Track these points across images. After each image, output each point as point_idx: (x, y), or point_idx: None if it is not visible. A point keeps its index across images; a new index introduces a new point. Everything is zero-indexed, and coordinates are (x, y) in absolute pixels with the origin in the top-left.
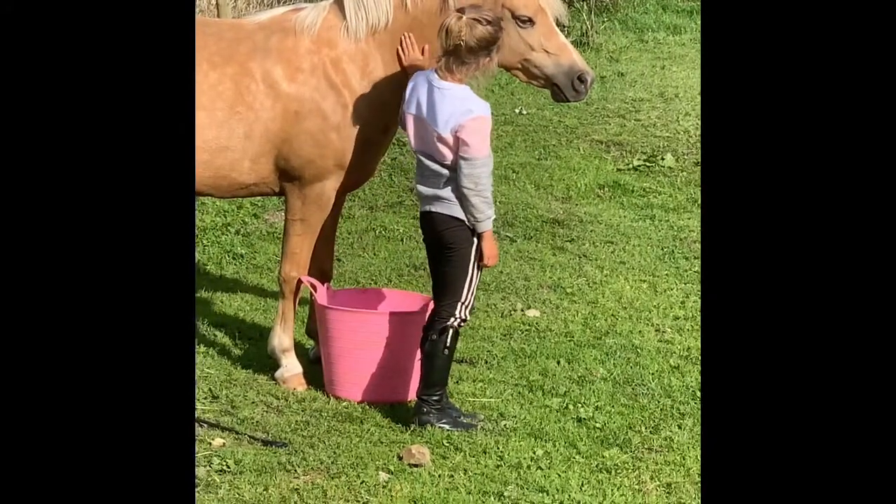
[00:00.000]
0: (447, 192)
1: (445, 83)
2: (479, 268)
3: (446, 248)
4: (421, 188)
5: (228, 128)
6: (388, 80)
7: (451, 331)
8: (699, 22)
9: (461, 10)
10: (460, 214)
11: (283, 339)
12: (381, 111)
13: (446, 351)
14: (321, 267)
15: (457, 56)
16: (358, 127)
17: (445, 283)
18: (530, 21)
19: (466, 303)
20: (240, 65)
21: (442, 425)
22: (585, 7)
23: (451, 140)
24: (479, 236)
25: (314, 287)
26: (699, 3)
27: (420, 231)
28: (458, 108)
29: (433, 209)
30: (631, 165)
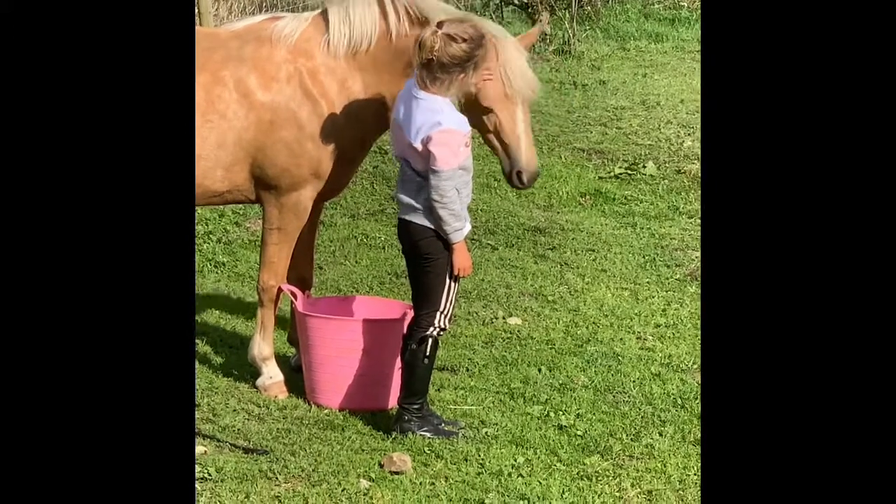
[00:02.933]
0: (422, 202)
1: (423, 93)
2: (455, 278)
3: (423, 257)
4: (400, 196)
5: (200, 137)
6: (367, 99)
7: (430, 340)
8: (681, 30)
9: (440, 24)
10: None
11: (262, 347)
12: (357, 125)
13: (426, 360)
14: (301, 275)
15: (429, 70)
16: (334, 138)
17: (423, 293)
18: (490, 110)
19: (445, 312)
20: (212, 73)
21: (423, 433)
22: (567, 16)
23: (421, 150)
24: (450, 248)
25: (294, 295)
26: (681, 11)
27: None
28: (429, 120)
29: (409, 218)
30: (612, 173)
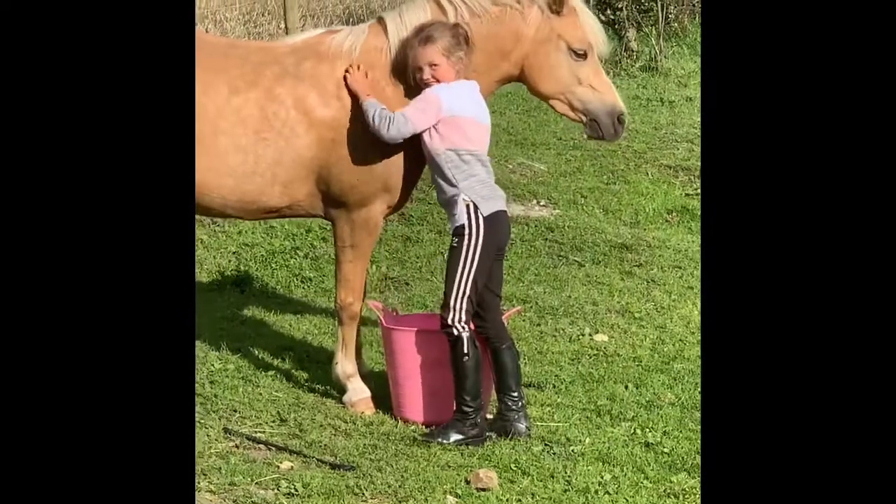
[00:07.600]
0: None
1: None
2: None
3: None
4: (498, 189)
5: (255, 154)
6: None
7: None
8: None
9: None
10: None
11: (345, 365)
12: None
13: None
14: None
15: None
16: (404, 149)
17: (501, 281)
18: (584, 55)
19: None
20: (266, 90)
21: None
22: (654, 32)
23: None
24: None
25: (380, 310)
26: None
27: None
28: None
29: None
30: (699, 190)
